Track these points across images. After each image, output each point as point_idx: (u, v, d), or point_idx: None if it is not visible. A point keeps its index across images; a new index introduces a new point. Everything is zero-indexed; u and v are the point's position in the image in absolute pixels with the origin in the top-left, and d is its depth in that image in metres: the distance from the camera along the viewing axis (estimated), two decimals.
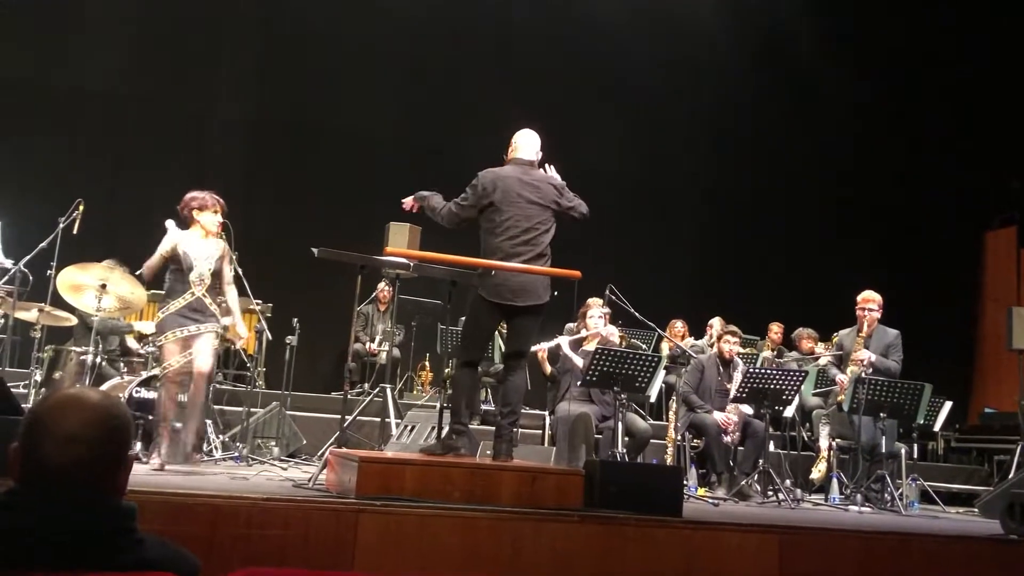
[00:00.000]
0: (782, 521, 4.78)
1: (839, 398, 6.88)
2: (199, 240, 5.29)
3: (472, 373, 4.83)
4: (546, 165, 4.92)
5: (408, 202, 5.06)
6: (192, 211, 5.31)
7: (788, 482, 6.71)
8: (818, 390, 7.92)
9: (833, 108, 11.60)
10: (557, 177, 4.87)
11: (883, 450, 6.48)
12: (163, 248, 5.23)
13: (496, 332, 7.55)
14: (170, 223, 5.29)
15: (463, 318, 5.62)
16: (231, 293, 5.44)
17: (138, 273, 5.53)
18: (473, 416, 7.89)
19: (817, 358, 8.00)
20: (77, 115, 9.28)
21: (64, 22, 9.36)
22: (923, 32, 11.41)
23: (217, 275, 5.30)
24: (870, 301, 6.95)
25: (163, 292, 5.40)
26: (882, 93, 11.67)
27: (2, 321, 6.49)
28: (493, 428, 4.84)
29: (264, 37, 10.16)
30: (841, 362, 7.07)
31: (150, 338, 6.26)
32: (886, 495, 6.40)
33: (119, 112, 9.50)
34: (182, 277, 5.21)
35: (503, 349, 6.18)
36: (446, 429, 4.76)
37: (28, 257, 6.57)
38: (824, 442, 7.15)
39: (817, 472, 7.21)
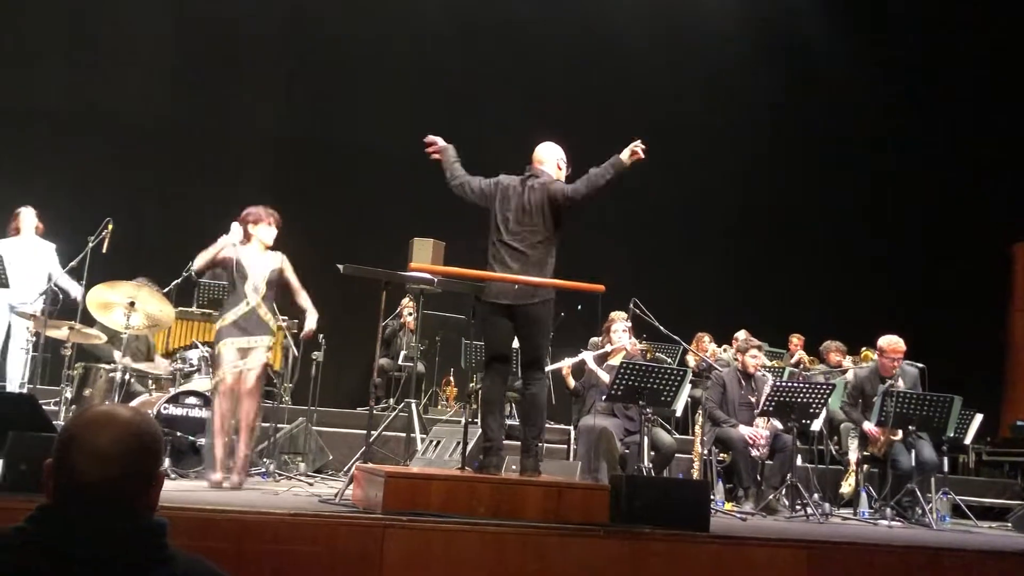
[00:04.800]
0: (811, 536, 4.74)
1: (876, 449, 6.65)
2: (256, 253, 5.41)
3: (495, 386, 4.72)
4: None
5: (432, 142, 5.02)
6: (248, 225, 5.43)
7: (816, 496, 6.64)
8: (844, 398, 7.85)
9: (859, 118, 11.54)
10: (550, 179, 4.72)
11: (912, 464, 6.39)
12: (221, 242, 5.32)
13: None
14: (234, 225, 5.39)
15: None
16: (302, 296, 5.56)
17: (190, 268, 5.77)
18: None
19: (845, 371, 7.92)
20: (106, 136, 9.41)
21: (93, 46, 9.52)
22: (950, 42, 11.34)
23: (272, 285, 5.41)
24: (899, 352, 6.72)
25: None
26: (910, 102, 11.59)
27: (34, 339, 6.59)
28: (518, 443, 4.83)
29: (290, 59, 10.29)
30: (855, 403, 6.90)
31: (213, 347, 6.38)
32: (917, 509, 6.32)
33: (147, 133, 9.64)
34: (238, 288, 5.33)
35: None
36: (471, 445, 4.76)
37: (59, 276, 6.68)
38: (853, 456, 7.08)
39: (846, 486, 7.14)
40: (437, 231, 7.25)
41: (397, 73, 10.39)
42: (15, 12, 9.29)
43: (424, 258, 6.80)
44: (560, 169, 4.84)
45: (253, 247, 5.43)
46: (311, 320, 5.58)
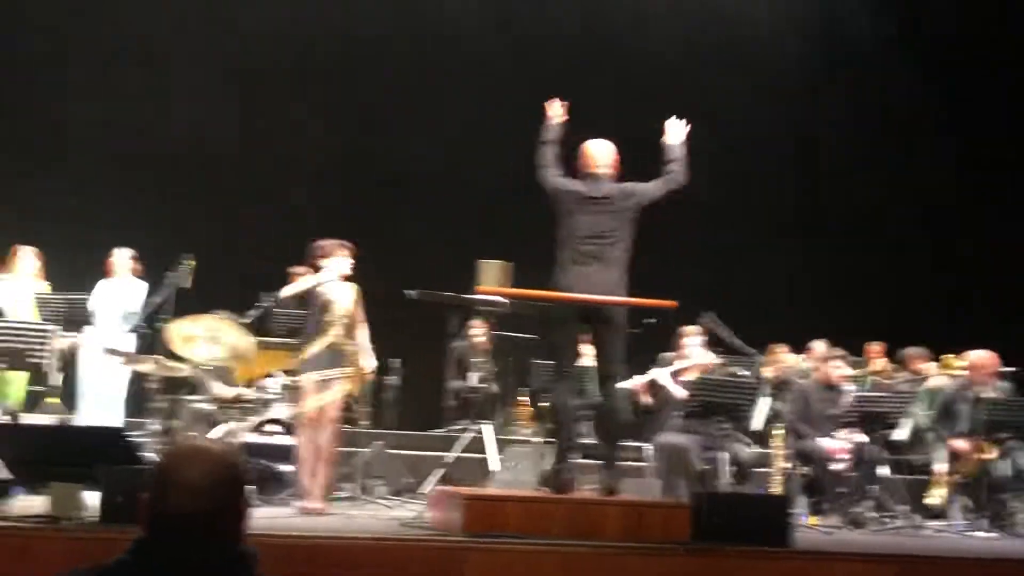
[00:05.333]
0: (901, 549, 4.63)
1: (967, 469, 6.36)
2: (336, 286, 5.55)
3: (566, 393, 4.64)
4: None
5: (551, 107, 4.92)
6: (320, 260, 5.58)
7: (905, 508, 6.45)
8: (930, 411, 7.60)
9: (928, 111, 11.23)
10: (626, 185, 4.73)
11: (1009, 473, 6.16)
12: (312, 278, 5.55)
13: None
14: (324, 264, 5.58)
15: None
16: (363, 331, 5.69)
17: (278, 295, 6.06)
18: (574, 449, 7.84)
19: (926, 379, 7.67)
20: (183, 174, 9.73)
21: (165, 81, 9.86)
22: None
23: (350, 319, 5.55)
24: (991, 369, 6.45)
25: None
26: (979, 91, 11.23)
27: (123, 374, 6.83)
28: (595, 462, 4.81)
29: (350, 84, 10.50)
30: (938, 421, 6.65)
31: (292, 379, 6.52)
32: (1014, 520, 6.08)
33: (220, 167, 9.92)
34: (323, 322, 5.48)
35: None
36: (547, 465, 4.74)
37: (144, 312, 6.91)
38: (940, 466, 6.85)
39: (936, 497, 6.90)
40: (504, 251, 7.29)
41: (455, 93, 10.51)
42: (90, 53, 9.71)
43: (492, 280, 6.83)
44: (615, 170, 4.80)
45: (338, 281, 5.58)
46: (369, 361, 5.72)
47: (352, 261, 5.62)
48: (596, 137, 4.90)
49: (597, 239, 4.56)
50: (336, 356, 5.47)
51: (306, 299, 5.57)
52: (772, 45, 11.16)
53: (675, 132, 4.88)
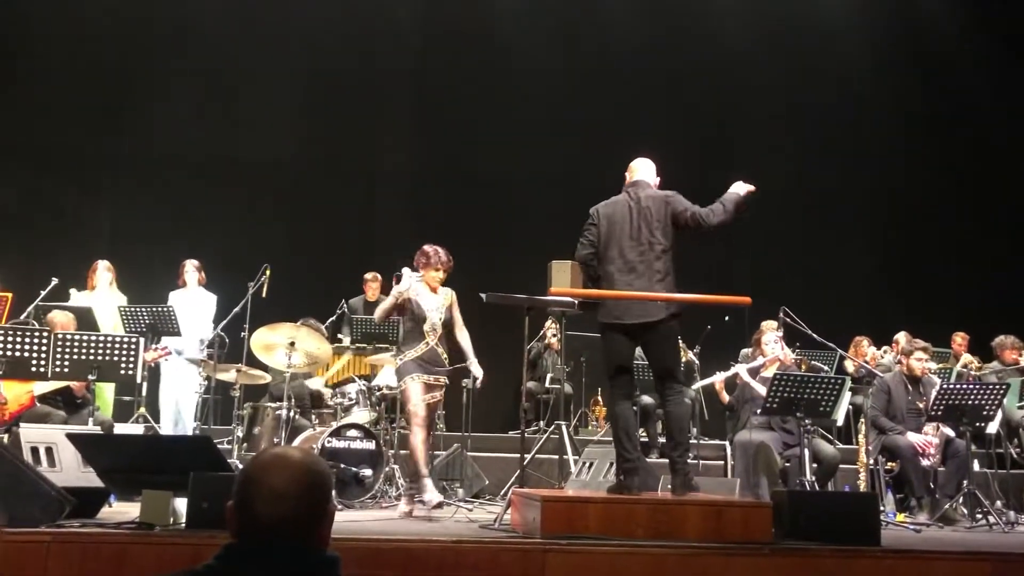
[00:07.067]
0: (995, 547, 4.45)
1: None
2: (429, 293, 5.64)
3: (626, 405, 4.64)
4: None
5: None
6: (420, 267, 5.68)
7: (999, 504, 6.22)
8: (1022, 403, 7.32)
9: (1005, 94, 10.84)
10: (669, 193, 4.64)
11: None
12: (394, 292, 5.65)
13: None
14: (406, 270, 5.66)
15: None
16: (464, 336, 5.76)
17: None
18: (651, 449, 7.77)
19: (1019, 369, 7.39)
20: (258, 186, 9.97)
21: (232, 99, 10.12)
22: None
23: (448, 324, 5.63)
24: None
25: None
26: None
27: (206, 382, 7.03)
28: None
29: (416, 94, 10.63)
30: None
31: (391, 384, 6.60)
32: None
33: (294, 178, 10.15)
34: (417, 327, 5.57)
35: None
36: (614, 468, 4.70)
37: (224, 322, 7.11)
38: None
39: None
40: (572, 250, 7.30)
41: (516, 101, 10.53)
42: (169, 73, 10.03)
43: (563, 281, 6.81)
44: (657, 179, 4.75)
45: (426, 287, 5.66)
46: (476, 368, 5.74)
47: (443, 274, 5.65)
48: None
49: (639, 250, 4.51)
50: (436, 362, 5.55)
51: (405, 311, 5.64)
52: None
53: (740, 185, 4.67)
